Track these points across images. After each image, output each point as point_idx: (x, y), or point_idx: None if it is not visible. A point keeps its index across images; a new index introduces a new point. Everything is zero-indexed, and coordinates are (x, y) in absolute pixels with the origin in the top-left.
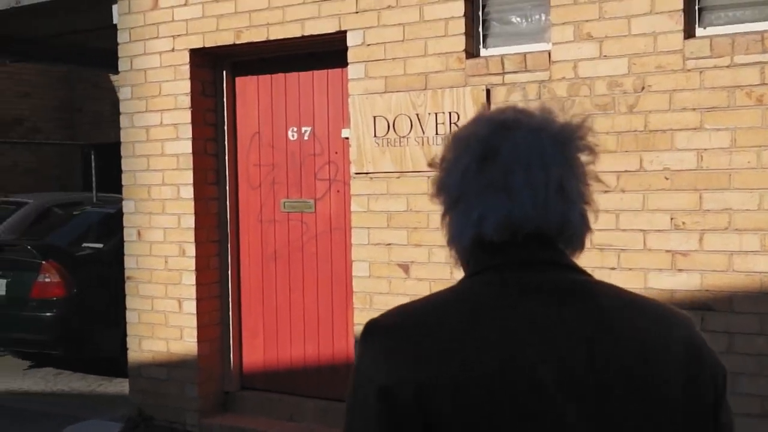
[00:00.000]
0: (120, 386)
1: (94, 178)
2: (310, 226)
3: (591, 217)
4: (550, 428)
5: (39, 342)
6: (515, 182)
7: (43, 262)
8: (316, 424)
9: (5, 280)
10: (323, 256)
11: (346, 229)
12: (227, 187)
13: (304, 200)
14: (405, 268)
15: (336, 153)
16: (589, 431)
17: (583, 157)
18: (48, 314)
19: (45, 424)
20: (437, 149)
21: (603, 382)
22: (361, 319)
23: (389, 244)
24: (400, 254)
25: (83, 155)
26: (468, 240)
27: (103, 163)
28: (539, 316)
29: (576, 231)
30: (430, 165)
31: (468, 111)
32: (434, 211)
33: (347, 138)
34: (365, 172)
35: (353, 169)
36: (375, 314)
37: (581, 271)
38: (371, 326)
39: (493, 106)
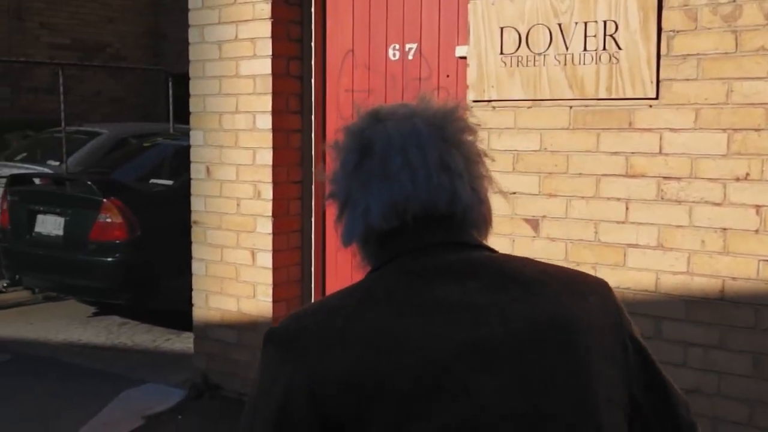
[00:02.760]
0: (188, 342)
1: (171, 107)
2: None
3: (489, 193)
4: (472, 406)
5: (97, 290)
6: (392, 166)
7: (104, 200)
8: None
9: (63, 219)
10: None
11: None
12: (313, 118)
13: None
14: (534, 224)
15: (448, 76)
16: (511, 398)
17: (466, 137)
18: (108, 259)
19: (100, 386)
20: (584, 71)
21: (523, 344)
22: None
23: (514, 193)
24: (529, 207)
25: (167, 84)
26: (360, 235)
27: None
28: (441, 300)
29: (468, 206)
30: (318, 177)
31: (631, 20)
32: (576, 151)
33: (463, 57)
34: (487, 99)
35: (471, 96)
36: None
37: (484, 248)
38: (270, 335)
39: (664, 11)
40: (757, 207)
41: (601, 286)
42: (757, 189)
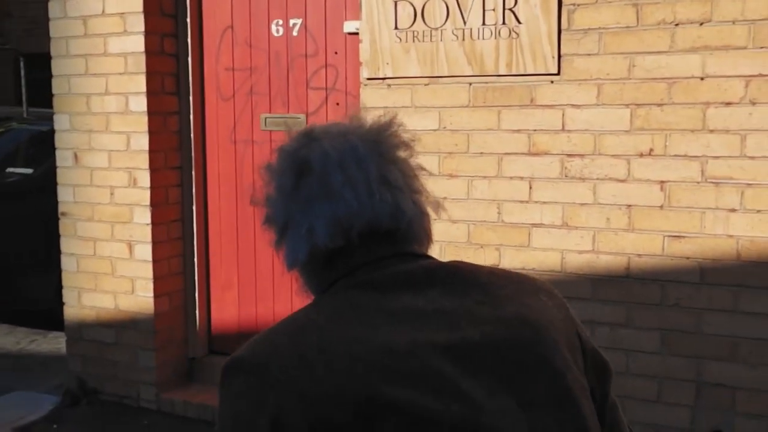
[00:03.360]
0: (56, 344)
1: (24, 89)
2: None
3: (427, 206)
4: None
5: None
6: (333, 184)
7: None
8: None
9: None
10: None
11: None
12: (191, 98)
13: (292, 115)
14: (435, 205)
15: (336, 53)
16: (501, 397)
17: (401, 153)
18: None
19: None
20: (483, 46)
21: (498, 344)
22: None
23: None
24: (429, 188)
25: (17, 65)
26: (305, 256)
27: (40, 75)
28: (408, 308)
29: (411, 220)
30: (252, 202)
31: None
32: (476, 130)
33: (352, 33)
34: (381, 77)
35: (365, 74)
36: None
37: (429, 258)
38: (236, 364)
39: None
40: (662, 183)
41: (545, 284)
42: (660, 164)
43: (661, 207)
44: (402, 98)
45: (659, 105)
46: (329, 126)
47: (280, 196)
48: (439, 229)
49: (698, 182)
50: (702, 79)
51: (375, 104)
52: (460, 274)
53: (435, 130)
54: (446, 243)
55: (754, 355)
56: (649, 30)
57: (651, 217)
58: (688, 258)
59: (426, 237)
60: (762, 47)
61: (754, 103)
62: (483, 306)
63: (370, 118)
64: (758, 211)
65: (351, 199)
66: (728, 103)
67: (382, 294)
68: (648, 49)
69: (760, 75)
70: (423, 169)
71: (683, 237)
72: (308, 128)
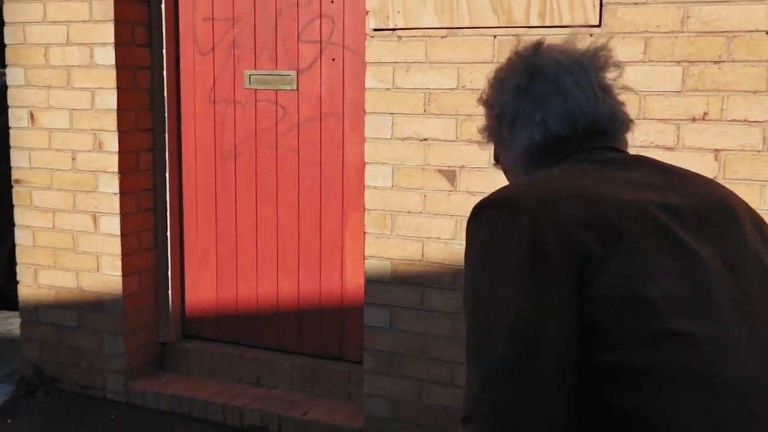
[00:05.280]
0: (7, 325)
1: None
2: (289, 111)
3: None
4: (672, 246)
5: None
6: (564, 85)
7: None
8: (296, 392)
9: None
10: (308, 155)
11: (343, 115)
12: (164, 51)
13: (281, 72)
14: (450, 176)
15: (332, 2)
16: (707, 247)
17: (613, 72)
18: None
19: None
20: None
21: (703, 212)
22: (377, 249)
23: (425, 140)
24: (444, 156)
25: None
26: (541, 137)
27: None
28: (625, 178)
29: (622, 125)
30: (479, 101)
31: None
32: None
33: None
34: (391, 27)
35: (371, 24)
36: (399, 242)
37: (624, 151)
38: (491, 203)
39: None
40: (716, 151)
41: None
42: (716, 130)
43: (716, 179)
44: (415, 52)
45: (716, 62)
46: (554, 42)
47: (512, 93)
48: (456, 202)
49: (759, 151)
50: (767, 33)
51: (383, 59)
52: (660, 164)
53: (453, 89)
54: (463, 218)
55: None
56: None
57: None
58: None
59: (626, 142)
60: None
61: None
62: (685, 186)
63: (583, 42)
64: None
65: (580, 98)
66: None
67: (601, 167)
68: None
69: None
70: (628, 88)
71: None
72: (537, 42)
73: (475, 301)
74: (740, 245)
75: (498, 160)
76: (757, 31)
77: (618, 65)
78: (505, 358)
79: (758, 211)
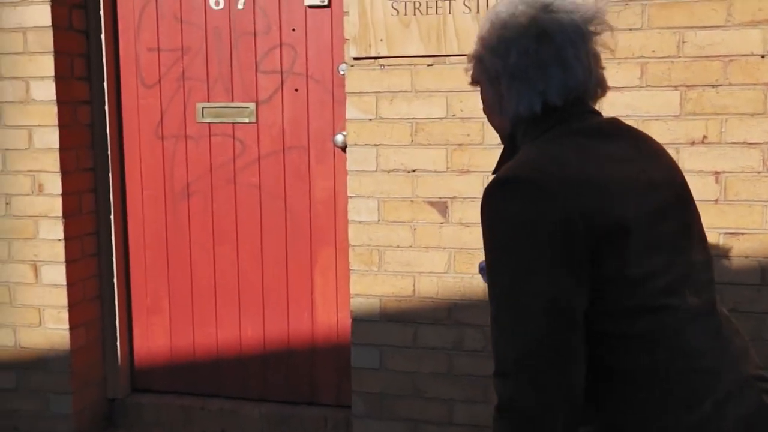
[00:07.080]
0: None
1: None
2: (248, 145)
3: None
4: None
5: None
6: (567, 56)
7: None
8: None
9: None
10: (271, 191)
11: (309, 147)
12: (105, 84)
13: (238, 105)
14: (441, 207)
15: (294, 30)
16: (681, 214)
17: (604, 34)
18: None
19: None
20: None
21: (671, 186)
22: (363, 287)
23: (413, 171)
24: (433, 187)
25: None
26: (540, 109)
27: None
28: (611, 155)
29: (604, 90)
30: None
31: None
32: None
33: (315, 6)
34: (373, 56)
35: (352, 53)
36: (388, 278)
37: (601, 114)
38: (515, 179)
39: None
40: (717, 174)
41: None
42: (715, 153)
43: (716, 201)
44: (400, 81)
45: (714, 86)
46: (560, 3)
47: (519, 51)
48: (449, 234)
49: (759, 172)
50: (763, 56)
51: (364, 89)
52: (631, 131)
53: (442, 118)
54: (457, 250)
55: None
56: (701, 1)
57: (705, 212)
58: (747, 257)
59: (597, 101)
60: None
61: None
62: (653, 155)
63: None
64: None
65: (577, 72)
66: None
67: (590, 142)
68: (700, 23)
69: None
70: (607, 47)
71: (742, 234)
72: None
73: (508, 275)
74: (690, 216)
75: (474, 83)
76: (752, 54)
77: (611, 27)
78: (542, 332)
79: (760, 233)
